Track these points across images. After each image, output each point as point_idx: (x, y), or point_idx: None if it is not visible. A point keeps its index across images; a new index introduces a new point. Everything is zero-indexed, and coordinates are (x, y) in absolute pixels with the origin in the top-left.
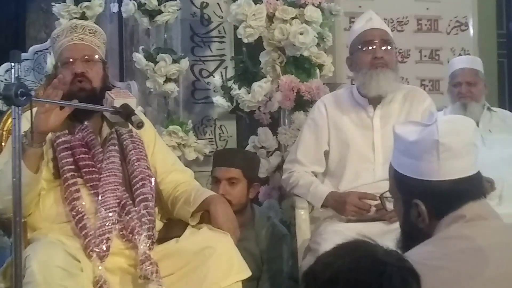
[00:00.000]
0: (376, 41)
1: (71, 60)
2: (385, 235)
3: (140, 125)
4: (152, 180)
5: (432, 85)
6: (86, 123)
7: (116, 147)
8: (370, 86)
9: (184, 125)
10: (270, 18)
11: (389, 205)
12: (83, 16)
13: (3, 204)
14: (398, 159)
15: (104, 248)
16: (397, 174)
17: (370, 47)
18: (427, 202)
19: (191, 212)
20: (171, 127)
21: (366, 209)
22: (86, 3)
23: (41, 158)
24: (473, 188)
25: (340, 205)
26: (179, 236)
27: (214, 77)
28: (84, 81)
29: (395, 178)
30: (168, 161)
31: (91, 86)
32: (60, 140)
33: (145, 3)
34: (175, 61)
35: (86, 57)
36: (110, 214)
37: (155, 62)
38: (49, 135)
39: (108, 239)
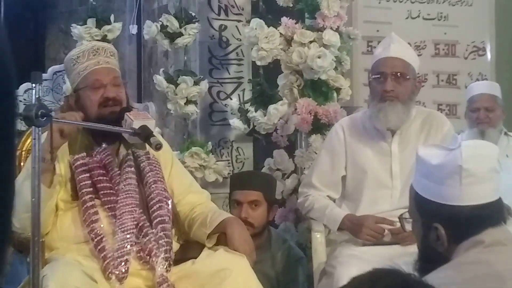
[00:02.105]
0: (388, 72)
1: (103, 83)
2: (402, 257)
3: (158, 147)
4: (169, 202)
5: (449, 109)
6: (104, 145)
7: (133, 169)
8: (377, 119)
9: (204, 147)
10: (288, 41)
11: (408, 226)
12: (104, 39)
13: (20, 222)
14: (420, 182)
15: (123, 270)
16: (418, 196)
17: (381, 78)
18: (447, 226)
19: (207, 234)
20: (193, 149)
21: (381, 234)
22: (108, 26)
23: (54, 172)
24: (494, 214)
25: (356, 228)
26: (195, 258)
27: (231, 99)
28: (115, 105)
29: (416, 200)
30: (185, 182)
31: (120, 109)
32: (78, 162)
33: (167, 26)
34: (195, 83)
35: (115, 81)
36: (128, 236)
37: (176, 84)
38: (68, 157)
39: (126, 260)
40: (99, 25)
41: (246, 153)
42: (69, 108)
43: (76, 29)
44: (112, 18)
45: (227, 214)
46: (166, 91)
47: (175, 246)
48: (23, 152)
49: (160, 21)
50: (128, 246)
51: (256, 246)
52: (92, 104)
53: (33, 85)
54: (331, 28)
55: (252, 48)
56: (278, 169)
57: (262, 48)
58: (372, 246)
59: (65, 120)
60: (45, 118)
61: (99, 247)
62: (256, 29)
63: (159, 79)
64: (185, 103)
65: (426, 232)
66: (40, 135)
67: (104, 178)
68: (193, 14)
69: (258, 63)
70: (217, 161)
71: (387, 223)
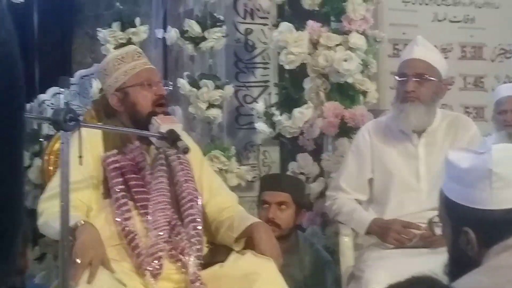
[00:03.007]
0: (410, 74)
1: (155, 81)
2: (429, 259)
3: (186, 151)
4: (199, 201)
5: (476, 112)
6: (137, 142)
7: (164, 167)
8: (399, 120)
9: (227, 151)
10: (314, 44)
11: (438, 230)
12: (129, 42)
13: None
14: (449, 186)
15: (157, 267)
16: (448, 200)
17: (403, 79)
18: (477, 230)
19: (234, 238)
20: (213, 152)
21: (409, 238)
22: (132, 29)
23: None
24: None
25: (383, 232)
26: (223, 261)
27: (257, 103)
28: (165, 105)
29: (446, 204)
30: (213, 184)
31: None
32: (110, 160)
33: (187, 31)
34: (218, 87)
35: (161, 82)
36: (161, 233)
37: (199, 88)
38: (101, 153)
39: (160, 257)
40: (124, 29)
41: (273, 156)
42: (97, 113)
43: (101, 33)
44: (137, 21)
45: (254, 218)
46: (189, 95)
47: (204, 250)
48: (51, 156)
49: (184, 26)
50: (161, 243)
51: (284, 249)
52: (146, 101)
53: (62, 89)
54: (357, 31)
55: (279, 52)
56: (302, 173)
57: (291, 52)
58: (400, 249)
59: (95, 125)
60: (73, 122)
61: (132, 244)
62: (284, 33)
63: (182, 82)
64: (207, 107)
65: (456, 236)
66: (69, 139)
67: (136, 176)
68: (221, 17)
69: (287, 67)
70: (242, 165)
71: (414, 227)
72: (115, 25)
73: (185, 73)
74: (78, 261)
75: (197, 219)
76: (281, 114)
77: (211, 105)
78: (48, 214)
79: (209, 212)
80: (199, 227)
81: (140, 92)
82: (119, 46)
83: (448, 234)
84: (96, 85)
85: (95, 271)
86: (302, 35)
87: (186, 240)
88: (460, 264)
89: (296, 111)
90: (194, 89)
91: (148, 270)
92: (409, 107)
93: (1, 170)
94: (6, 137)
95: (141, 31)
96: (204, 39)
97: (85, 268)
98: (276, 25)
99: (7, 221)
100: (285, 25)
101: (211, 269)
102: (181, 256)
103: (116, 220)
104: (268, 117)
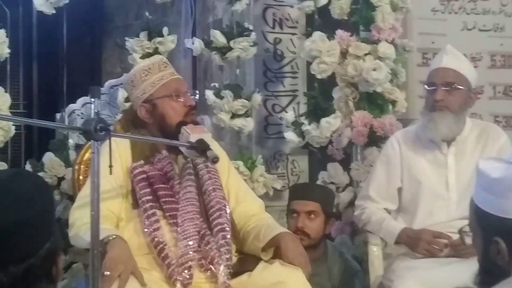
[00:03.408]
0: (439, 83)
1: (183, 92)
2: (460, 267)
3: (215, 160)
4: (228, 210)
5: (506, 121)
6: (165, 152)
7: (192, 177)
8: (428, 129)
9: (250, 160)
10: (343, 54)
11: (468, 240)
12: (155, 52)
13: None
14: (480, 195)
15: (188, 276)
16: (479, 210)
17: (432, 88)
18: (508, 240)
19: (260, 248)
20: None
21: (439, 248)
22: (159, 39)
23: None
24: None
25: (413, 242)
26: (251, 270)
27: (286, 112)
28: (195, 114)
29: (476, 213)
30: (240, 191)
31: (178, 122)
32: (137, 170)
33: (212, 41)
34: (239, 96)
35: (188, 91)
36: (191, 243)
37: (222, 98)
38: (129, 164)
39: (190, 267)
40: (151, 38)
41: (302, 166)
42: (126, 123)
43: (129, 42)
44: (165, 31)
45: (281, 228)
46: (213, 105)
47: (233, 259)
48: (82, 166)
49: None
50: (191, 253)
51: (313, 259)
52: (176, 112)
53: (92, 99)
54: (386, 41)
55: (308, 61)
56: (332, 182)
57: (323, 61)
58: (430, 259)
59: (125, 135)
60: (104, 132)
61: (162, 255)
62: (317, 42)
63: (208, 93)
64: (231, 117)
65: (486, 245)
66: (100, 149)
67: (165, 186)
68: (251, 27)
69: (319, 76)
70: (271, 173)
71: (444, 237)
72: (142, 35)
73: (212, 84)
74: (107, 273)
75: (226, 228)
76: (309, 124)
77: (235, 115)
78: (78, 226)
79: (236, 219)
80: (228, 236)
81: (169, 104)
82: (146, 55)
83: (479, 243)
84: (122, 94)
85: (123, 284)
86: (335, 45)
87: (216, 249)
88: (490, 274)
89: (324, 121)
90: (218, 100)
91: (179, 280)
92: (438, 116)
93: None
94: None
95: (168, 41)
96: (230, 49)
97: (113, 280)
98: (306, 35)
99: None
100: (317, 35)
101: (239, 278)
102: (210, 266)
103: (145, 231)
104: (297, 127)
